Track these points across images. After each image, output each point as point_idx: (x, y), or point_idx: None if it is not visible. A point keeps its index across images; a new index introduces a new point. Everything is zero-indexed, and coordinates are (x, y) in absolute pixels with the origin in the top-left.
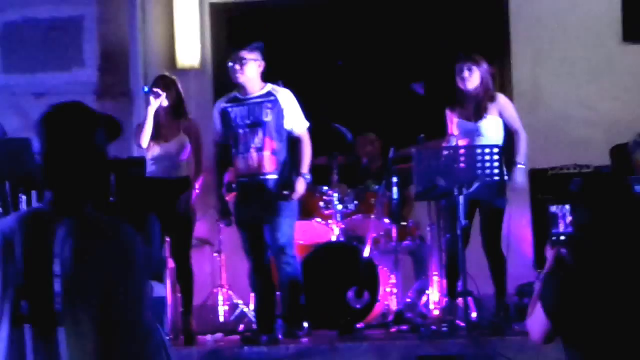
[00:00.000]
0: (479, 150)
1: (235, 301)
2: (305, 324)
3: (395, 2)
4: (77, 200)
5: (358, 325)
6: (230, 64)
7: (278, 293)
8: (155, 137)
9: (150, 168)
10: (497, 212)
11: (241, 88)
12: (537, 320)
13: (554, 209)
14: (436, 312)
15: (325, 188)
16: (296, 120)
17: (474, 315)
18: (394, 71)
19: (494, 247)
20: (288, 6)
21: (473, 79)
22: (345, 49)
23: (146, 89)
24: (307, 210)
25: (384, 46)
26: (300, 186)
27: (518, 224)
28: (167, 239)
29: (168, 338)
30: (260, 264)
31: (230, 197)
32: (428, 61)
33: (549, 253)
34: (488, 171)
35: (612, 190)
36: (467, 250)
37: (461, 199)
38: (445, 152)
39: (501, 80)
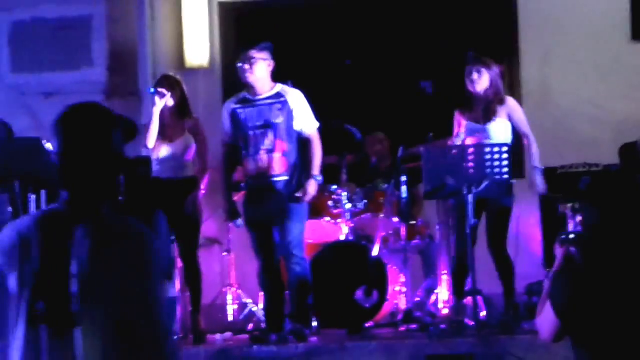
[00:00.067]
0: (487, 149)
1: (244, 300)
2: (314, 323)
3: (404, 1)
4: (94, 201)
5: (367, 324)
6: (240, 64)
7: (287, 292)
8: (161, 137)
9: (156, 168)
10: (504, 211)
11: (250, 88)
12: (546, 319)
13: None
14: (445, 311)
15: (334, 187)
16: (306, 121)
17: (483, 314)
18: (403, 70)
19: (499, 247)
20: (296, 5)
21: (482, 81)
22: (353, 48)
23: (152, 90)
24: (316, 209)
25: (392, 45)
26: (312, 188)
27: (527, 223)
28: (174, 239)
29: (176, 337)
30: (270, 264)
31: (238, 197)
32: (436, 60)
33: (558, 251)
34: (497, 170)
35: (621, 189)
36: (476, 249)
37: (470, 197)
38: (454, 151)
39: (510, 79)
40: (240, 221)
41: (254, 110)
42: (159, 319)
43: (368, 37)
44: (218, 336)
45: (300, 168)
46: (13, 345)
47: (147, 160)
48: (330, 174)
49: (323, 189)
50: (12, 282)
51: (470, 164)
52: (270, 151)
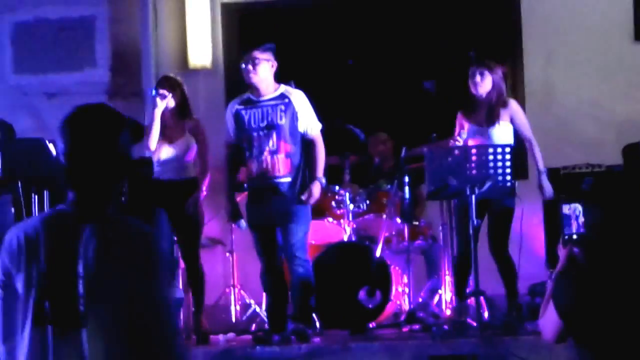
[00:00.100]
0: (490, 150)
1: (248, 301)
2: (317, 324)
3: (407, 1)
4: (101, 202)
5: (370, 325)
6: (243, 65)
7: (290, 293)
8: (161, 138)
9: (157, 169)
10: (506, 212)
11: (254, 89)
12: (549, 320)
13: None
14: (448, 312)
15: (337, 187)
16: (310, 123)
17: (486, 314)
18: (405, 70)
19: (501, 248)
20: (299, 6)
21: (485, 83)
22: (356, 48)
23: (154, 92)
24: (319, 209)
25: (395, 45)
26: (317, 190)
27: (530, 223)
28: (176, 240)
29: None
30: (273, 265)
31: (241, 198)
32: (439, 60)
33: (561, 252)
34: (500, 171)
35: (623, 189)
36: (478, 250)
37: (473, 198)
38: (457, 152)
39: (513, 79)
40: (242, 222)
41: (258, 111)
42: (168, 319)
43: (370, 37)
44: (221, 337)
45: (304, 169)
46: (20, 346)
47: (148, 161)
48: (333, 174)
49: (326, 189)
50: (19, 282)
51: (473, 165)
52: (274, 152)
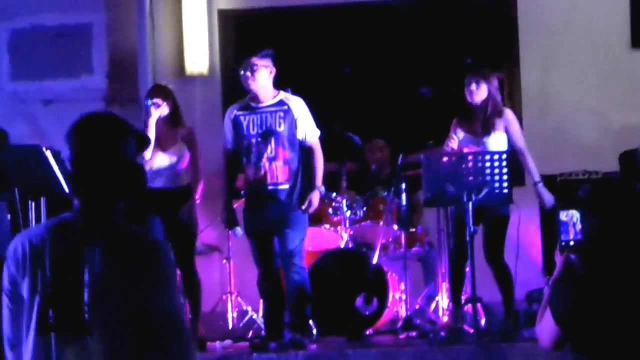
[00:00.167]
0: (487, 157)
1: (244, 308)
2: (314, 331)
3: (403, 8)
4: (107, 210)
5: (367, 332)
6: (242, 71)
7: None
8: (154, 146)
9: (150, 177)
10: (501, 219)
11: (253, 95)
12: (546, 326)
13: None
14: (445, 319)
15: (334, 194)
16: (309, 130)
17: (483, 321)
18: (403, 77)
19: (496, 255)
20: (295, 12)
21: (480, 92)
22: (352, 55)
23: (150, 102)
24: (316, 216)
25: (392, 52)
26: (316, 199)
27: (527, 230)
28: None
29: None
30: (269, 271)
31: (238, 204)
32: (437, 67)
33: (558, 259)
34: (497, 177)
35: (620, 196)
36: (475, 257)
37: (470, 205)
38: (454, 159)
39: (510, 86)
40: (238, 230)
41: (257, 117)
42: (177, 327)
43: (367, 44)
44: (218, 344)
45: (302, 176)
46: (25, 353)
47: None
48: (330, 181)
49: (323, 196)
50: (24, 288)
51: (470, 172)
52: (272, 159)
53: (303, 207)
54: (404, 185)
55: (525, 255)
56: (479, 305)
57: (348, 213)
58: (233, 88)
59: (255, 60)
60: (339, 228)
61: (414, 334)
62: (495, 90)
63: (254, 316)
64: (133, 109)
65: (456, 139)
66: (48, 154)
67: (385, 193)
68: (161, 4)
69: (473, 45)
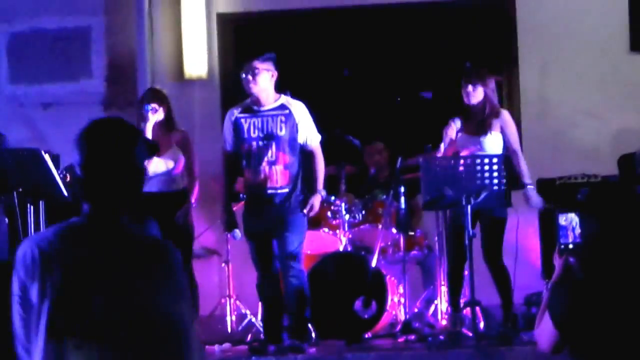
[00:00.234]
0: (486, 160)
1: (243, 311)
2: (313, 334)
3: (402, 11)
4: (116, 214)
5: (365, 335)
6: (243, 75)
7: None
8: None
9: (146, 182)
10: (498, 222)
11: (254, 98)
12: (545, 330)
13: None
14: (444, 322)
15: (333, 198)
16: (310, 134)
17: (482, 325)
18: (401, 80)
19: (494, 258)
20: (294, 16)
21: (476, 94)
22: (352, 58)
23: (149, 107)
24: (315, 219)
25: (391, 55)
26: (317, 203)
27: (526, 233)
28: None
29: None
30: (268, 274)
31: (237, 207)
32: (436, 71)
33: (557, 262)
34: (495, 180)
35: (619, 200)
36: (474, 260)
37: (468, 208)
38: (453, 162)
39: (508, 89)
40: (237, 232)
41: (258, 120)
42: (187, 332)
43: (366, 47)
44: (216, 347)
45: (302, 180)
46: (35, 358)
47: None
48: (328, 184)
49: (322, 199)
50: (34, 294)
51: (469, 175)
52: (272, 163)
53: (305, 211)
54: (402, 189)
55: (524, 259)
56: (477, 308)
57: (347, 216)
58: (232, 92)
59: (257, 63)
60: (337, 231)
61: (412, 337)
62: (491, 92)
63: (253, 319)
64: (132, 112)
65: (454, 127)
66: (47, 157)
67: (384, 196)
68: (160, 7)
69: (472, 48)
